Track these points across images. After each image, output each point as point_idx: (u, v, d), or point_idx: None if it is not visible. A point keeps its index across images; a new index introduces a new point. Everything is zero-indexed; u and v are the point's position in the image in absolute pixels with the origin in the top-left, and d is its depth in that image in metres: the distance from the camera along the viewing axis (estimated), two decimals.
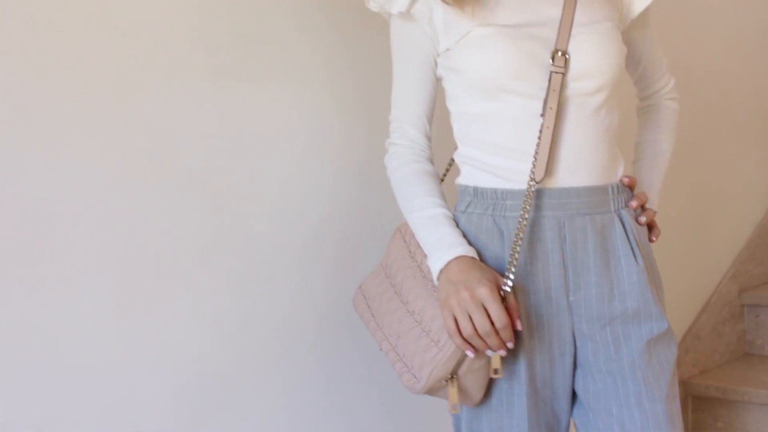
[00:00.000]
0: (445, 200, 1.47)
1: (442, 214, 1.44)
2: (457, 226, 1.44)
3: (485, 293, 1.31)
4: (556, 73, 1.37)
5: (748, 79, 3.03)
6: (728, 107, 2.93)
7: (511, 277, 1.34)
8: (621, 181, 1.47)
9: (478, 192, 1.45)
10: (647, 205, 1.53)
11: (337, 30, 1.82)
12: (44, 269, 1.44)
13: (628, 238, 1.43)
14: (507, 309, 1.32)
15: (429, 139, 1.52)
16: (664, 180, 1.63)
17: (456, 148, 1.54)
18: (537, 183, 1.38)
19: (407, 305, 1.45)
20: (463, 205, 1.47)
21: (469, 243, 1.41)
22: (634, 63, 1.61)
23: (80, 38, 1.48)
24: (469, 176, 1.47)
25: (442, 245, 1.40)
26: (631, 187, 1.50)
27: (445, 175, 1.64)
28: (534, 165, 1.38)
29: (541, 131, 1.38)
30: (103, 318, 1.51)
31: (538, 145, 1.38)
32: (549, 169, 1.39)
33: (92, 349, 1.49)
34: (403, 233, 1.54)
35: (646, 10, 1.52)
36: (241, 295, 1.68)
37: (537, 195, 1.40)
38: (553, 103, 1.37)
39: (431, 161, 1.52)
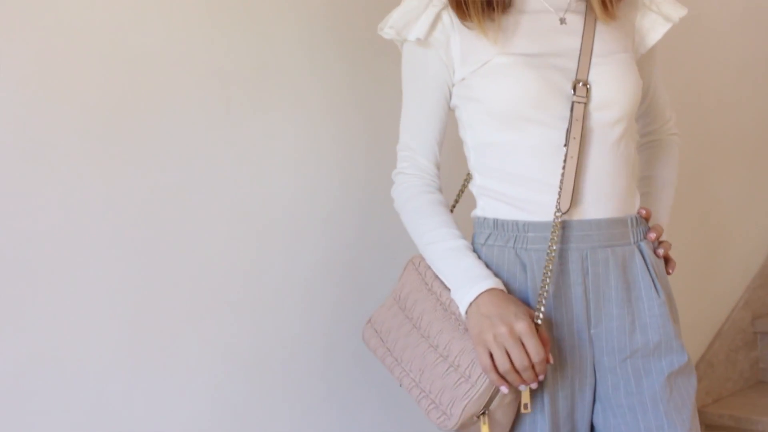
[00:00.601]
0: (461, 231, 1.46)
1: (464, 245, 1.41)
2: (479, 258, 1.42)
3: (524, 327, 1.28)
4: (579, 102, 1.37)
5: (758, 108, 3.04)
6: (739, 136, 2.93)
7: (543, 309, 1.32)
8: (639, 213, 1.47)
9: (498, 224, 1.42)
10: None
11: (346, 61, 1.83)
12: (58, 302, 1.44)
13: (649, 271, 1.43)
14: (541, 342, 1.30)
15: (438, 167, 1.50)
16: (672, 212, 1.63)
17: (466, 178, 1.54)
18: (563, 214, 1.37)
19: (429, 339, 1.42)
20: (483, 238, 1.44)
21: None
22: (641, 97, 1.58)
23: (95, 70, 1.48)
24: (488, 208, 1.45)
25: (469, 277, 1.37)
26: (647, 220, 1.50)
27: (454, 206, 1.63)
28: (560, 196, 1.37)
29: (565, 161, 1.37)
30: (116, 350, 1.50)
31: (562, 175, 1.37)
32: (574, 201, 1.38)
33: (105, 379, 1.49)
34: (417, 265, 1.51)
35: (655, 47, 1.53)
36: (251, 326, 1.68)
37: (561, 227, 1.39)
38: (576, 133, 1.37)
39: (441, 192, 1.50)
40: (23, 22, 1.41)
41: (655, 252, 1.47)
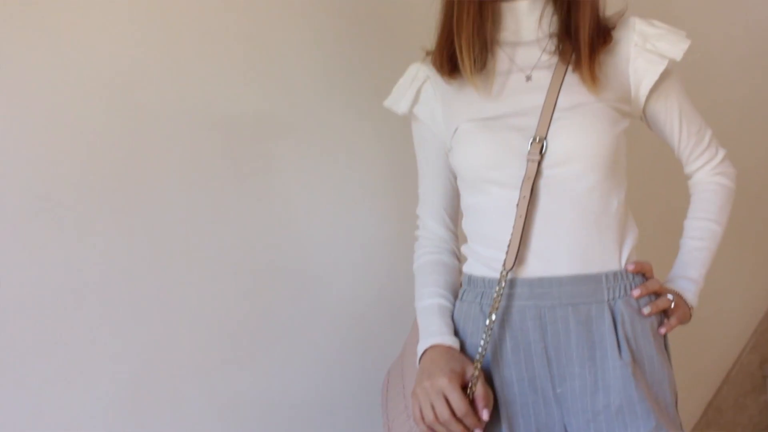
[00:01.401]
0: (451, 291, 1.50)
1: (436, 304, 1.47)
2: (452, 314, 1.47)
3: (444, 383, 1.33)
4: (532, 161, 1.37)
5: (761, 152, 3.04)
6: (742, 178, 2.92)
7: (478, 366, 1.36)
8: (626, 268, 1.41)
9: (471, 280, 1.47)
10: (680, 291, 1.47)
11: (352, 110, 1.85)
12: (61, 361, 1.46)
13: (616, 331, 1.38)
14: (474, 397, 1.34)
15: (452, 231, 1.55)
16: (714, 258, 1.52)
17: None
18: (508, 271, 1.38)
19: (405, 390, 1.48)
20: (461, 293, 1.49)
21: (456, 332, 1.44)
22: (668, 140, 1.52)
23: (99, 125, 1.50)
24: (468, 266, 1.49)
25: (425, 334, 1.44)
26: (644, 274, 1.44)
27: None
28: (506, 254, 1.38)
29: (515, 220, 1.38)
30: (121, 407, 1.51)
31: (512, 234, 1.38)
32: (521, 258, 1.38)
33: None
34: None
35: (663, 83, 1.45)
36: (266, 379, 1.69)
37: (512, 284, 1.40)
38: (526, 191, 1.37)
39: (453, 253, 1.54)
40: (29, 77, 1.43)
41: (641, 310, 1.41)
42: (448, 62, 1.44)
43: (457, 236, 1.54)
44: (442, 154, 1.50)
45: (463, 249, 1.52)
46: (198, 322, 1.62)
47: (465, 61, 1.40)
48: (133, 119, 1.53)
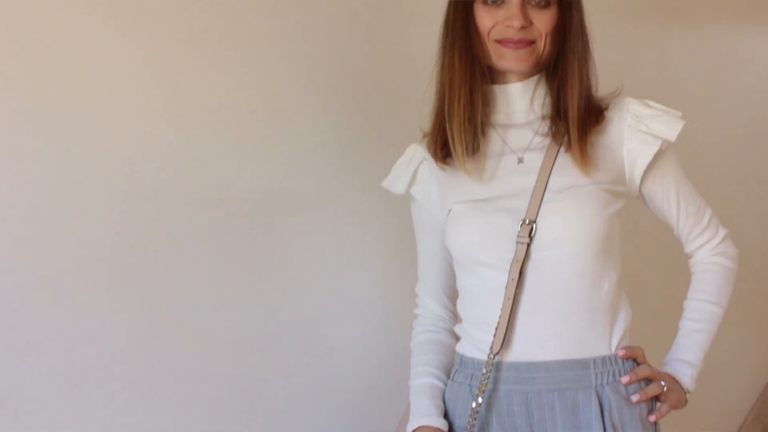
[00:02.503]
0: (444, 371, 1.49)
1: (428, 384, 1.47)
2: (444, 394, 1.46)
3: None
4: (521, 243, 1.37)
5: (760, 220, 3.05)
6: (742, 248, 2.93)
7: None
8: (616, 353, 1.39)
9: (462, 361, 1.46)
10: (676, 374, 1.44)
11: (352, 188, 1.85)
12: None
13: (603, 418, 1.35)
14: None
15: (450, 310, 1.54)
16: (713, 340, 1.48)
17: None
18: (495, 355, 1.38)
19: None
20: (453, 373, 1.48)
21: (446, 413, 1.44)
22: (666, 219, 1.50)
23: (103, 203, 1.51)
24: (460, 346, 1.49)
25: (414, 414, 1.44)
26: (636, 359, 1.41)
27: None
28: (494, 337, 1.38)
29: (503, 302, 1.38)
30: None
31: (500, 316, 1.38)
32: (508, 342, 1.38)
33: None
34: None
35: (658, 163, 1.44)
36: None
37: (499, 367, 1.39)
38: (514, 274, 1.37)
39: (450, 332, 1.53)
40: (30, 149, 1.43)
41: (630, 397, 1.38)
42: (441, 149, 1.45)
43: (455, 315, 1.55)
44: (439, 234, 1.50)
45: (456, 329, 1.52)
46: (200, 399, 1.61)
47: (457, 148, 1.42)
48: (138, 193, 1.54)
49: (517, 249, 1.37)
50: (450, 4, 1.44)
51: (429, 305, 1.55)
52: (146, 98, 1.56)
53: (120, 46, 1.53)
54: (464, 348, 1.47)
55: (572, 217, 1.36)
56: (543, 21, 1.39)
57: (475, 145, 1.42)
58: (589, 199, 1.37)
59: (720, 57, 2.89)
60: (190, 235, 1.62)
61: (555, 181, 1.39)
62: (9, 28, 1.41)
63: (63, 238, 1.46)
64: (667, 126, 1.42)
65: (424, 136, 1.52)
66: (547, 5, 1.39)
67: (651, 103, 1.45)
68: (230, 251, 1.67)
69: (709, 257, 1.50)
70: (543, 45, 1.40)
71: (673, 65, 2.70)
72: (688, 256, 1.53)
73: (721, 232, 1.52)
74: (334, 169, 1.82)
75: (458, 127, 1.41)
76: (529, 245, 1.37)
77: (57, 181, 1.46)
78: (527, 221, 1.37)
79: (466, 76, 1.41)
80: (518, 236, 1.37)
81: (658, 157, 1.43)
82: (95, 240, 1.50)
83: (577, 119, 1.40)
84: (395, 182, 1.54)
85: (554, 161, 1.40)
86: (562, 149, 1.41)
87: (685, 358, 1.46)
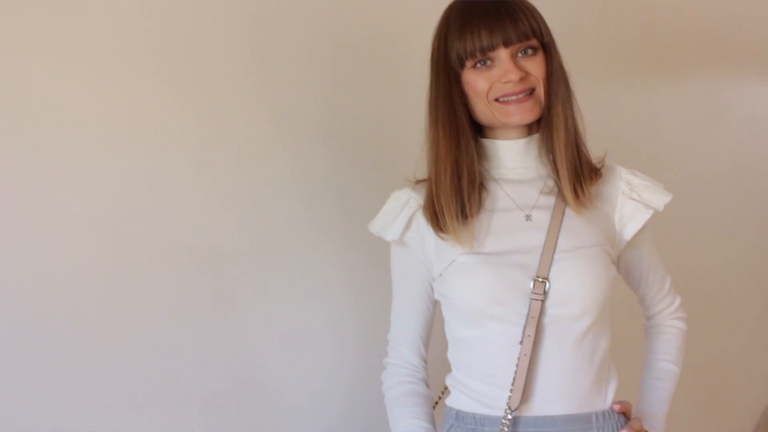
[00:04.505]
0: (433, 423, 1.48)
1: (424, 427, 1.46)
2: None
3: None
4: (536, 300, 1.38)
5: (746, 266, 3.06)
6: (733, 292, 2.95)
7: None
8: (612, 408, 1.44)
9: (459, 416, 1.46)
10: (648, 428, 1.49)
11: (338, 243, 1.84)
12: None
13: None
14: None
15: (424, 360, 1.53)
16: (672, 400, 1.58)
17: (443, 390, 1.56)
18: (513, 411, 1.38)
19: None
20: (446, 428, 1.48)
21: None
22: (634, 284, 1.58)
23: (95, 259, 1.50)
24: (454, 399, 1.48)
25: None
26: (626, 414, 1.47)
27: (438, 399, 1.62)
28: (511, 392, 1.38)
29: (519, 358, 1.38)
30: None
31: (516, 372, 1.38)
32: (525, 397, 1.38)
33: None
34: None
35: (640, 232, 1.50)
36: None
37: (513, 423, 1.39)
38: (531, 330, 1.38)
39: (425, 382, 1.53)
40: (22, 205, 1.43)
41: None
42: (436, 220, 1.44)
43: (427, 364, 1.53)
44: (426, 283, 1.50)
45: (447, 380, 1.51)
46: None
47: (446, 219, 1.42)
48: (123, 248, 1.53)
49: (531, 305, 1.38)
50: (431, 83, 1.45)
51: (404, 354, 1.53)
52: (131, 154, 1.56)
53: (112, 101, 1.53)
54: (460, 402, 1.46)
55: (584, 278, 1.40)
56: (536, 67, 1.40)
57: (465, 212, 1.42)
58: (597, 260, 1.42)
59: (704, 105, 2.92)
60: (179, 289, 1.60)
61: (564, 241, 1.41)
62: (6, 84, 1.42)
63: (45, 292, 1.45)
64: (657, 196, 1.49)
65: (417, 183, 1.51)
66: (534, 52, 1.40)
67: (639, 173, 1.53)
68: (214, 305, 1.65)
69: (668, 321, 1.60)
70: (543, 91, 1.41)
71: (656, 114, 2.72)
72: (646, 318, 1.62)
73: (678, 299, 1.62)
74: (320, 222, 1.82)
75: (446, 199, 1.42)
76: (543, 302, 1.38)
77: (39, 234, 1.45)
78: (540, 278, 1.38)
79: (451, 149, 1.42)
80: (533, 293, 1.38)
81: (644, 226, 1.49)
82: (78, 294, 1.48)
83: (566, 161, 1.43)
84: (386, 228, 1.51)
85: (561, 221, 1.43)
86: (567, 209, 1.44)
87: (654, 413, 1.53)
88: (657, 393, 1.55)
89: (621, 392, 1.48)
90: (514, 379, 1.38)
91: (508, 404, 1.38)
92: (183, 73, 1.63)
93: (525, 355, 1.38)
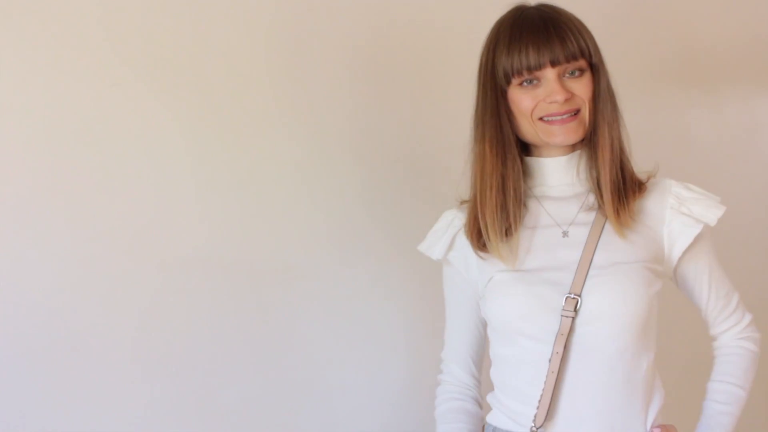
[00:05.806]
0: None
1: None
2: None
3: None
4: (566, 317, 1.36)
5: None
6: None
7: None
8: (651, 431, 1.41)
9: None
10: None
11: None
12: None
13: None
14: None
15: (476, 378, 1.54)
16: (737, 425, 1.48)
17: None
18: (538, 429, 1.37)
19: None
20: None
21: None
22: (695, 301, 1.52)
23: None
24: (493, 416, 1.49)
25: None
26: None
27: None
28: (537, 410, 1.37)
29: (547, 375, 1.37)
30: None
31: (543, 390, 1.37)
32: (550, 415, 1.37)
33: None
34: None
35: (695, 246, 1.46)
36: None
37: None
38: (559, 348, 1.36)
39: (476, 400, 1.54)
40: (55, 221, 1.46)
41: None
42: (478, 238, 1.45)
43: (480, 383, 1.54)
44: (473, 301, 1.51)
45: (489, 397, 1.51)
46: None
47: (490, 236, 1.41)
48: (160, 261, 1.55)
49: (561, 322, 1.36)
50: (478, 97, 1.44)
51: (455, 372, 1.54)
52: (170, 167, 1.58)
53: (146, 116, 1.56)
54: (498, 419, 1.46)
55: (618, 294, 1.37)
56: (582, 88, 1.39)
57: (510, 230, 1.42)
58: (635, 277, 1.38)
59: (740, 121, 2.89)
60: (214, 308, 1.62)
61: (600, 257, 1.39)
62: (41, 99, 1.44)
63: (84, 303, 1.47)
64: (708, 210, 1.44)
65: (462, 203, 1.51)
66: (581, 73, 1.39)
67: (692, 186, 1.47)
68: (253, 319, 1.66)
69: (735, 341, 1.52)
70: (588, 112, 1.40)
71: (693, 130, 2.70)
72: (713, 338, 1.54)
73: (747, 317, 1.53)
74: (359, 235, 1.83)
75: (491, 216, 1.41)
76: (573, 319, 1.36)
77: (78, 250, 1.47)
78: (572, 295, 1.36)
79: (498, 165, 1.41)
80: (563, 310, 1.36)
81: (697, 239, 1.44)
82: (117, 308, 1.50)
83: (609, 182, 1.41)
84: (432, 247, 1.52)
85: (599, 237, 1.41)
86: (608, 225, 1.41)
87: None
88: (716, 417, 1.47)
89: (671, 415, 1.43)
90: (541, 396, 1.37)
91: (533, 421, 1.37)
92: (220, 90, 1.65)
93: (552, 372, 1.37)
